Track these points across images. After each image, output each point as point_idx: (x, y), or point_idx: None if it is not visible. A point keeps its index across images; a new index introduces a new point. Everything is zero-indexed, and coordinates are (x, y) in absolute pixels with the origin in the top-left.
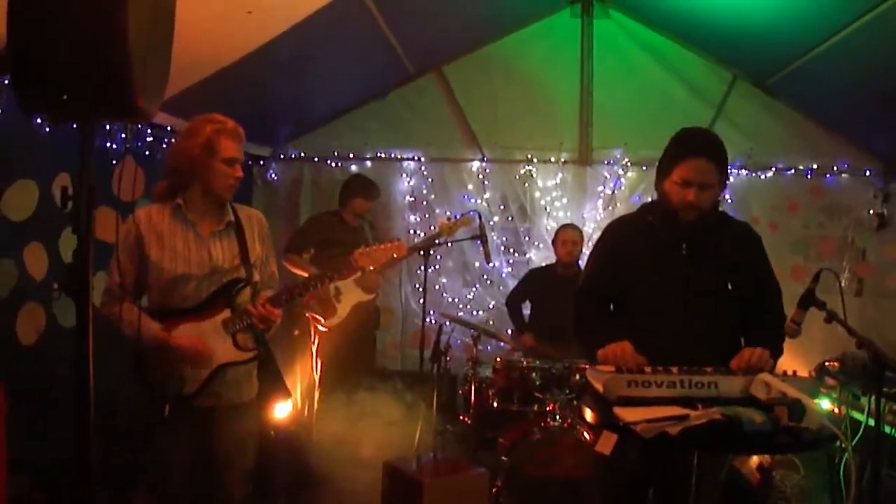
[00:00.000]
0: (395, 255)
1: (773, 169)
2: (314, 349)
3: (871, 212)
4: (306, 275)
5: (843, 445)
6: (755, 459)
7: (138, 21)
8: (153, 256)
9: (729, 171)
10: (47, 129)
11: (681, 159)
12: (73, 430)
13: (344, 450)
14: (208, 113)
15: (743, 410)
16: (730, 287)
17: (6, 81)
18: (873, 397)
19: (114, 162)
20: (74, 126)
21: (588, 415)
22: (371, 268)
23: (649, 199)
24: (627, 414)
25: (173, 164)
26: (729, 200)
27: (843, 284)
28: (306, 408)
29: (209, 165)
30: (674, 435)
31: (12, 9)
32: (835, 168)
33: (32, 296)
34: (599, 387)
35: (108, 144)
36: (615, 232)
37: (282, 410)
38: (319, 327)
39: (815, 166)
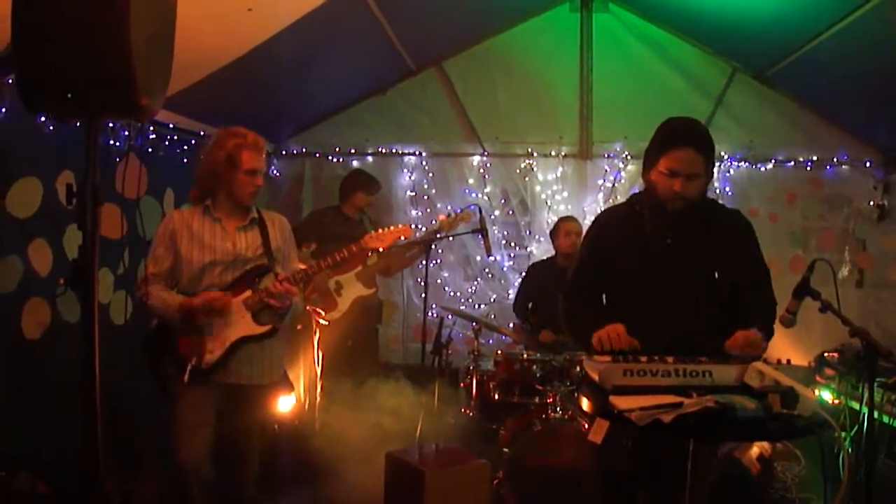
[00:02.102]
0: (402, 237)
1: (773, 161)
2: (316, 343)
3: (872, 203)
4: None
5: (840, 435)
6: (755, 450)
7: (140, 20)
8: (184, 248)
9: (723, 160)
10: (51, 128)
11: (666, 150)
12: (81, 424)
13: (347, 442)
14: (210, 110)
15: (737, 398)
16: (715, 275)
17: (10, 81)
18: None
19: (117, 159)
20: (78, 124)
21: (584, 403)
22: (381, 248)
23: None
24: (622, 402)
25: (201, 175)
26: (729, 192)
27: (843, 276)
28: (309, 401)
29: (232, 177)
30: (667, 422)
31: (17, 9)
32: (835, 159)
33: (37, 291)
34: (596, 376)
35: (111, 142)
36: (604, 223)
37: (285, 404)
38: (320, 321)
39: (814, 158)
